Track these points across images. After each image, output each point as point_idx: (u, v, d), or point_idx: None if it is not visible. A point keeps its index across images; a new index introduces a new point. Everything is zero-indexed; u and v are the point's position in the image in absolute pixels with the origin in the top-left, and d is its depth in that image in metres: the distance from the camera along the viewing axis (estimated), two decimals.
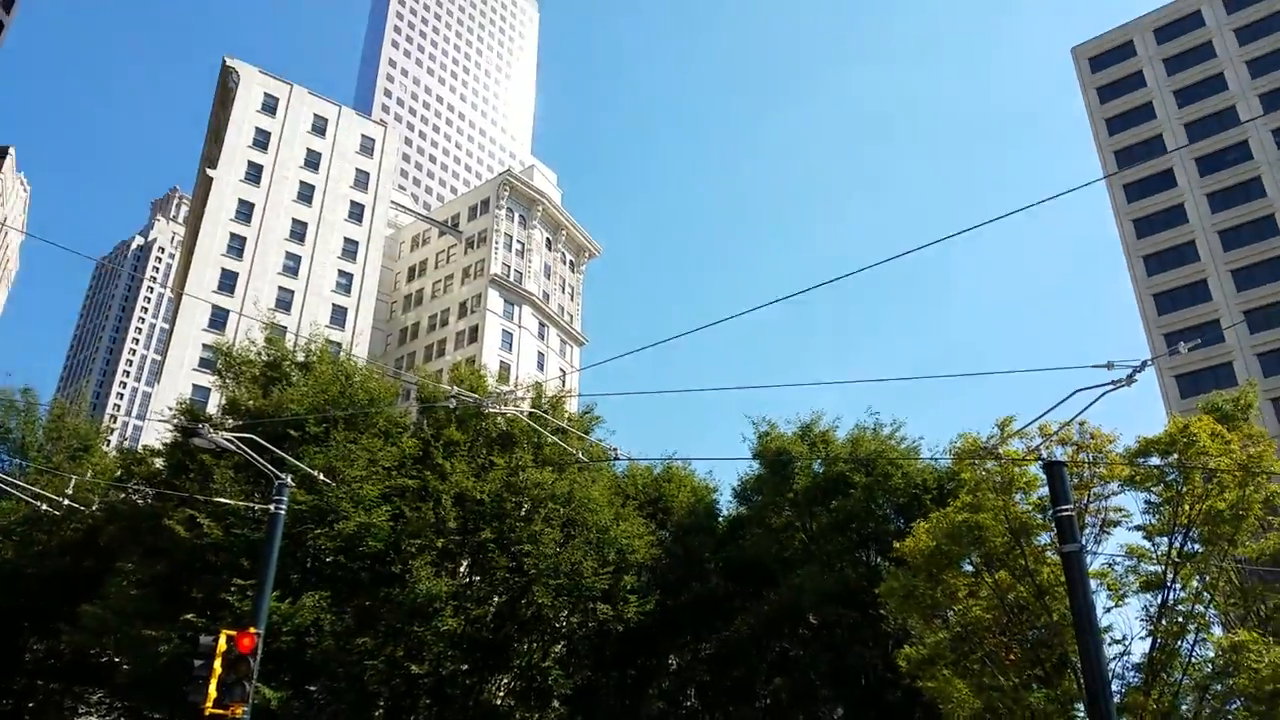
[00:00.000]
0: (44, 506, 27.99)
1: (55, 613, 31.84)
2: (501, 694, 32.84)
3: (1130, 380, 13.16)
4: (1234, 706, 20.97)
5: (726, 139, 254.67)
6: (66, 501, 28.73)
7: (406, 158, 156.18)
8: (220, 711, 17.12)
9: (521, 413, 33.41)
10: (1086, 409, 14.11)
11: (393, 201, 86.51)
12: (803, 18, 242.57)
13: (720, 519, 40.22)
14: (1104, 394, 13.43)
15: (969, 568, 23.62)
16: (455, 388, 29.65)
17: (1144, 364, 13.11)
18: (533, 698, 33.29)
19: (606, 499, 32.87)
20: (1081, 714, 18.15)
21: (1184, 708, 21.56)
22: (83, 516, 33.37)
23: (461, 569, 31.87)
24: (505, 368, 74.38)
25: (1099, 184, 74.01)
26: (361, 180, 78.32)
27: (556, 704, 33.61)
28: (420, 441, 31.55)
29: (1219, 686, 20.75)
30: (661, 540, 35.79)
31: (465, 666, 30.46)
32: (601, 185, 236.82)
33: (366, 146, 79.90)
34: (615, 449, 23.40)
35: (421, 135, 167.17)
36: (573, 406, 46.46)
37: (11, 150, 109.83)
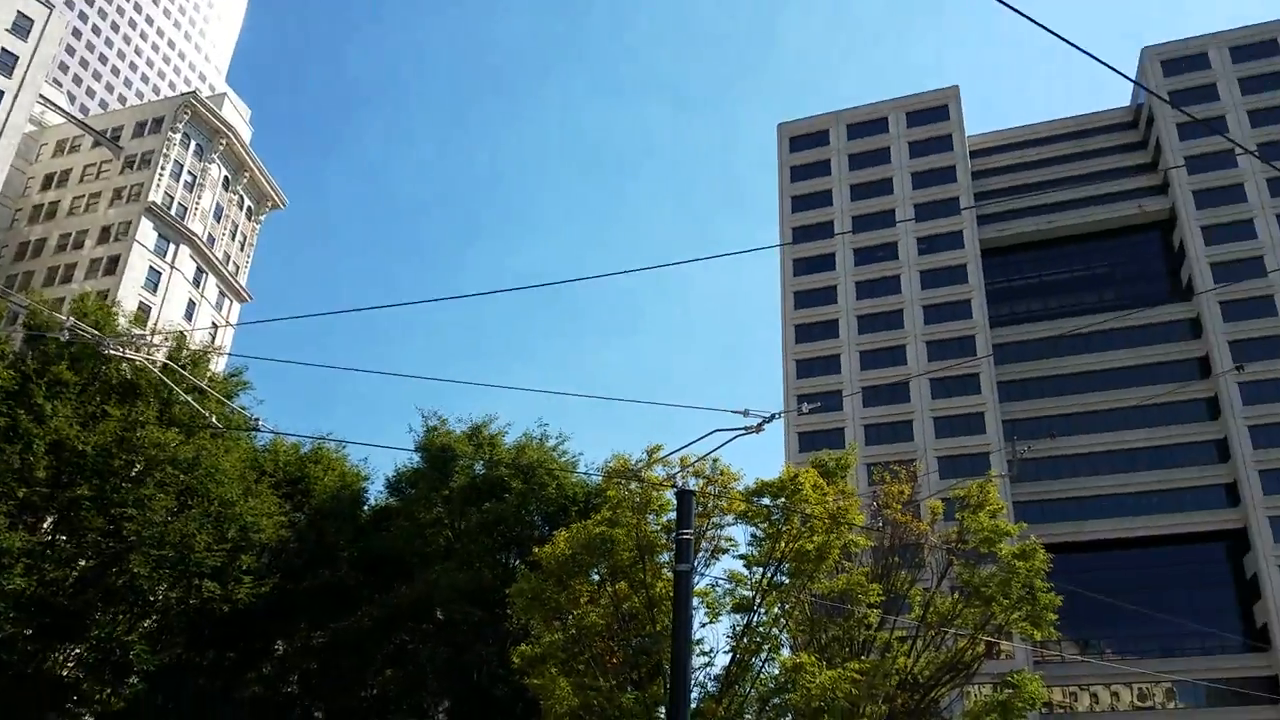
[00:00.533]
0: None
1: None
2: (70, 665, 28.93)
3: (759, 428, 14.80)
4: (787, 718, 24.29)
5: (444, 121, 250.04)
6: None
7: (71, 50, 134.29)
8: None
9: (153, 363, 30.02)
10: (721, 447, 15.74)
11: (41, 96, 73.93)
12: (542, 20, 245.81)
13: (366, 508, 38.94)
14: (736, 437, 14.99)
15: (597, 577, 25.14)
16: (71, 319, 26.03)
17: (772, 416, 14.83)
18: (107, 672, 29.66)
19: (239, 471, 30.52)
20: (662, 716, 19.96)
21: (747, 716, 24.59)
22: None
23: (45, 525, 27.92)
24: (145, 309, 66.10)
25: (777, 252, 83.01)
26: (6, 62, 66.25)
27: (135, 680, 30.15)
28: (18, 374, 27.21)
29: (778, 700, 23.95)
30: (295, 522, 33.89)
31: (29, 631, 26.48)
32: (301, 143, 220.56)
33: (22, 27, 67.77)
34: (258, 419, 21.68)
35: (96, 30, 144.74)
36: (220, 366, 42.63)
37: None
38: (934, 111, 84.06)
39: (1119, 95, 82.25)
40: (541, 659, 21.40)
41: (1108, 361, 70.64)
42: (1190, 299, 71.16)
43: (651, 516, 25.28)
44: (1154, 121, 77.80)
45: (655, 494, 24.58)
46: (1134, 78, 32.53)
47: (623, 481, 24.97)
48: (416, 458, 37.35)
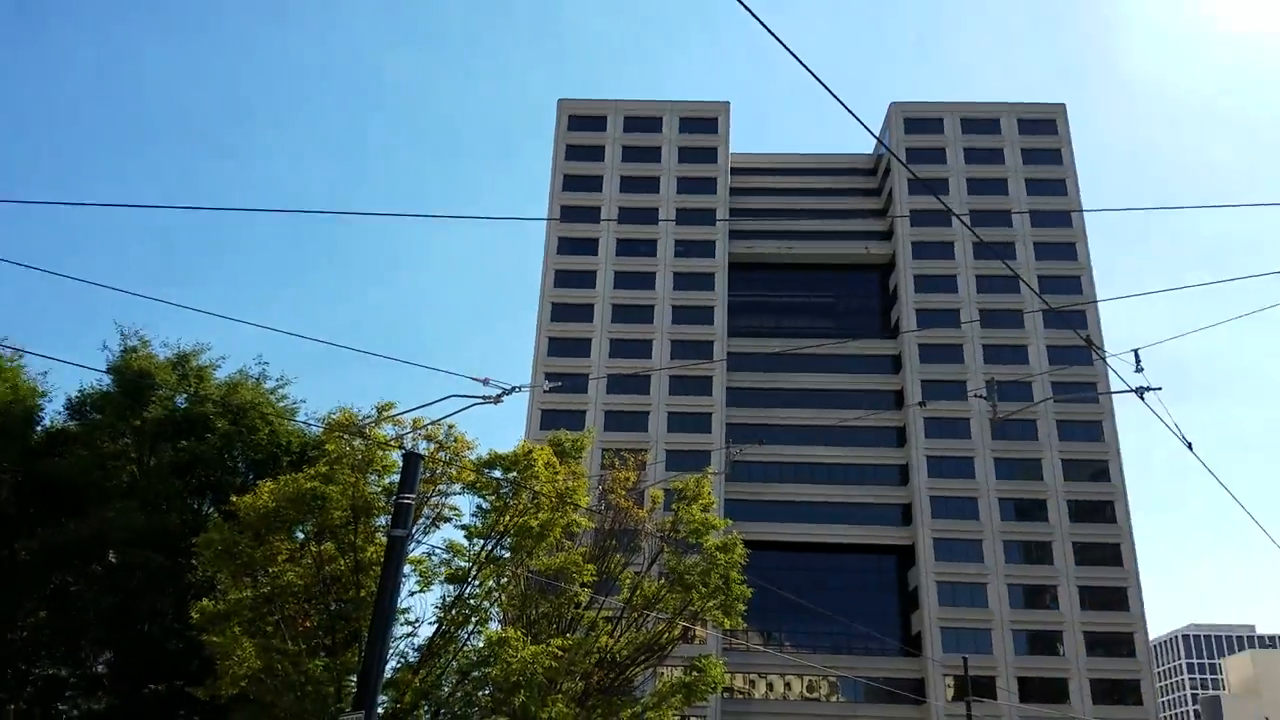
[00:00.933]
0: None
1: None
2: None
3: (498, 399, 14.38)
4: (485, 692, 24.09)
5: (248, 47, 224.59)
6: None
7: None
8: None
9: None
10: (458, 413, 15.12)
11: None
12: None
13: (40, 429, 33.92)
14: (474, 404, 14.49)
15: (301, 535, 23.46)
16: None
17: (513, 389, 14.48)
18: None
19: None
20: (353, 685, 19.05)
21: (444, 689, 24.10)
22: None
23: None
24: None
25: (543, 226, 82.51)
26: None
27: None
28: None
29: (478, 673, 23.67)
30: None
31: None
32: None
33: None
34: None
35: None
36: None
37: None
38: (705, 122, 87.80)
39: (870, 141, 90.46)
40: (225, 616, 19.61)
41: (821, 382, 77.59)
42: (896, 337, 79.78)
43: (373, 477, 24.04)
44: (889, 172, 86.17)
45: (380, 454, 23.38)
46: (877, 130, 35.59)
47: (346, 436, 23.50)
48: (108, 380, 33.13)
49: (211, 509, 29.97)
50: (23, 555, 29.97)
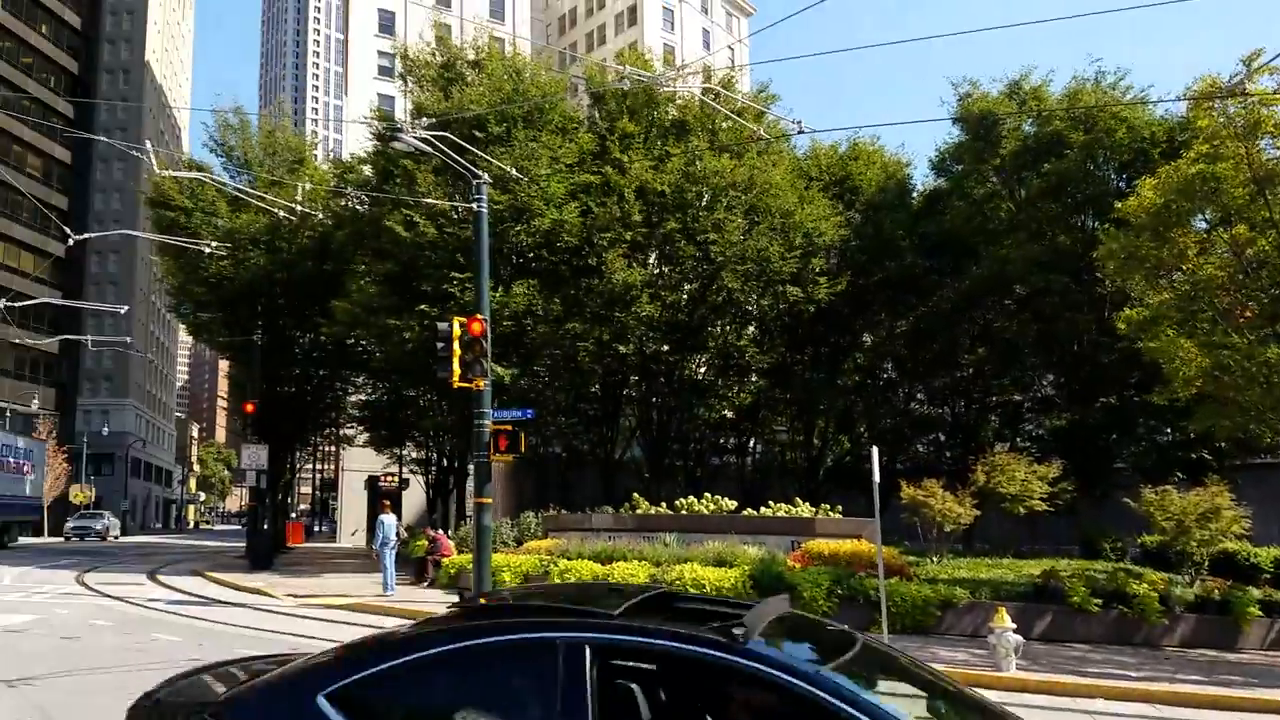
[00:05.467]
0: (281, 214, 30.83)
1: (310, 309, 36.63)
2: (702, 370, 35.37)
3: None
4: None
5: None
6: (300, 209, 31.73)
7: None
8: (465, 385, 19.51)
9: (694, 92, 32.38)
10: None
11: None
12: None
13: (915, 195, 38.73)
14: None
15: (1201, 224, 21.76)
16: (628, 67, 28.97)
17: None
18: (731, 373, 35.78)
19: (789, 182, 32.15)
20: None
21: None
22: (314, 224, 36.91)
23: (651, 260, 33.01)
24: (669, 50, 71.02)
25: None
26: None
27: (755, 378, 35.83)
28: (596, 136, 31.51)
29: None
30: (850, 221, 35.08)
31: (666, 347, 32.64)
32: None
33: None
34: (799, 121, 22.14)
35: None
36: (745, 85, 44.30)
37: None
38: None
39: None
40: (1153, 321, 19.63)
41: None
42: None
43: (1265, 141, 20.48)
44: None
45: (1266, 113, 19.71)
46: None
47: (1218, 105, 20.45)
48: (956, 131, 35.46)
49: (1095, 223, 29.99)
50: (944, 305, 35.00)
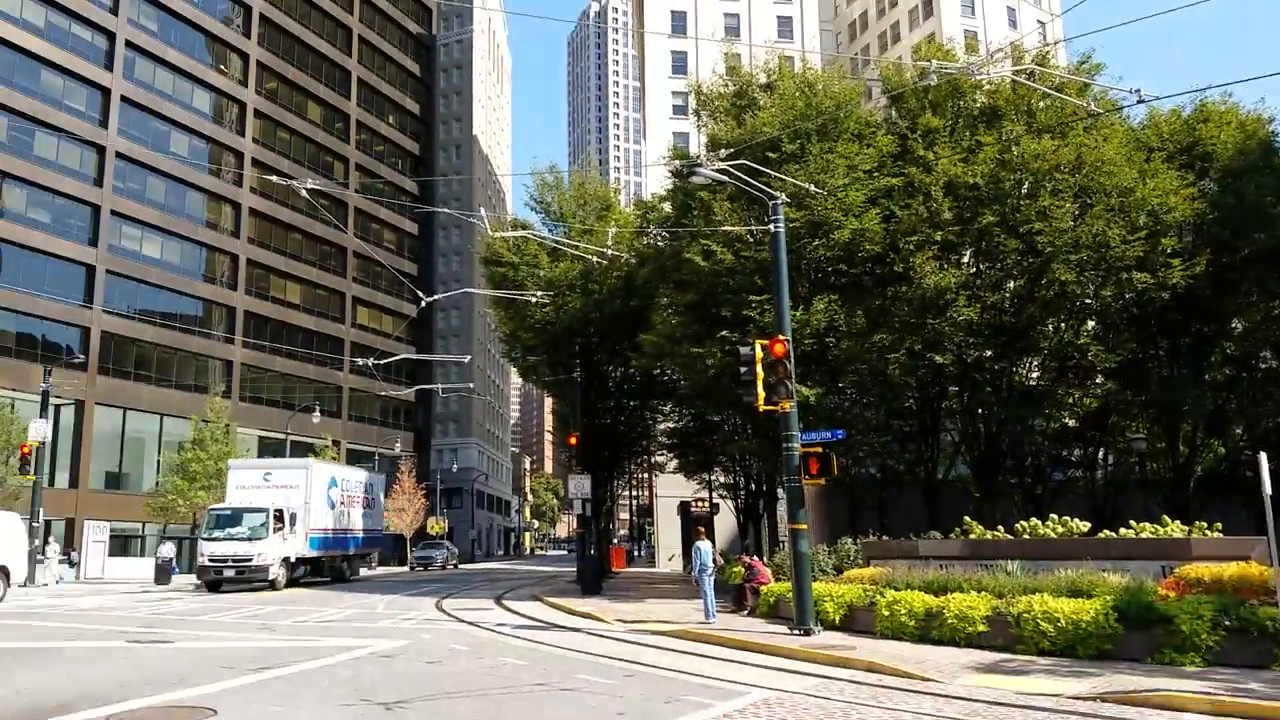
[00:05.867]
0: (593, 259, 32.88)
1: (621, 344, 38.73)
2: (1035, 375, 31.97)
3: None
4: None
5: None
6: (609, 252, 33.79)
7: None
8: (770, 407, 19.25)
9: (1005, 75, 29.98)
10: None
11: None
12: None
13: None
14: None
15: None
16: (932, 61, 27.23)
17: None
18: (1070, 376, 31.92)
19: (1125, 156, 28.28)
20: None
21: None
22: (620, 264, 39.11)
23: (965, 259, 30.77)
24: (971, 36, 66.45)
25: None
26: None
27: (1100, 379, 31.70)
28: (895, 137, 30.09)
29: None
30: (1204, 192, 30.20)
31: (989, 353, 29.96)
32: None
33: None
34: (1137, 90, 19.41)
35: None
36: (1061, 61, 40.12)
37: None
38: None
39: None
40: None
41: None
42: None
43: None
44: None
45: None
46: None
47: None
48: None
49: None
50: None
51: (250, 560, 34.80)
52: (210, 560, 35.28)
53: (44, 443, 39.90)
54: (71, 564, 46.96)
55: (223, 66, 72.06)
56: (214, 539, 35.41)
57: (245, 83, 73.66)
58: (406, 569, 64.08)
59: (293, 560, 37.38)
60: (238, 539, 35.06)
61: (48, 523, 46.63)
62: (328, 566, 41.54)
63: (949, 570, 19.64)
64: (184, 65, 68.05)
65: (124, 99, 62.76)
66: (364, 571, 48.71)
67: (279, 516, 36.25)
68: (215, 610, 26.36)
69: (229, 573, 34.99)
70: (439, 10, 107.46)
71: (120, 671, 13.72)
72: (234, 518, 35.89)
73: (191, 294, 68.24)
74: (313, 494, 39.05)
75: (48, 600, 30.31)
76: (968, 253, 30.46)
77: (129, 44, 63.51)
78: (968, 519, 23.35)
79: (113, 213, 61.64)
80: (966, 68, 29.17)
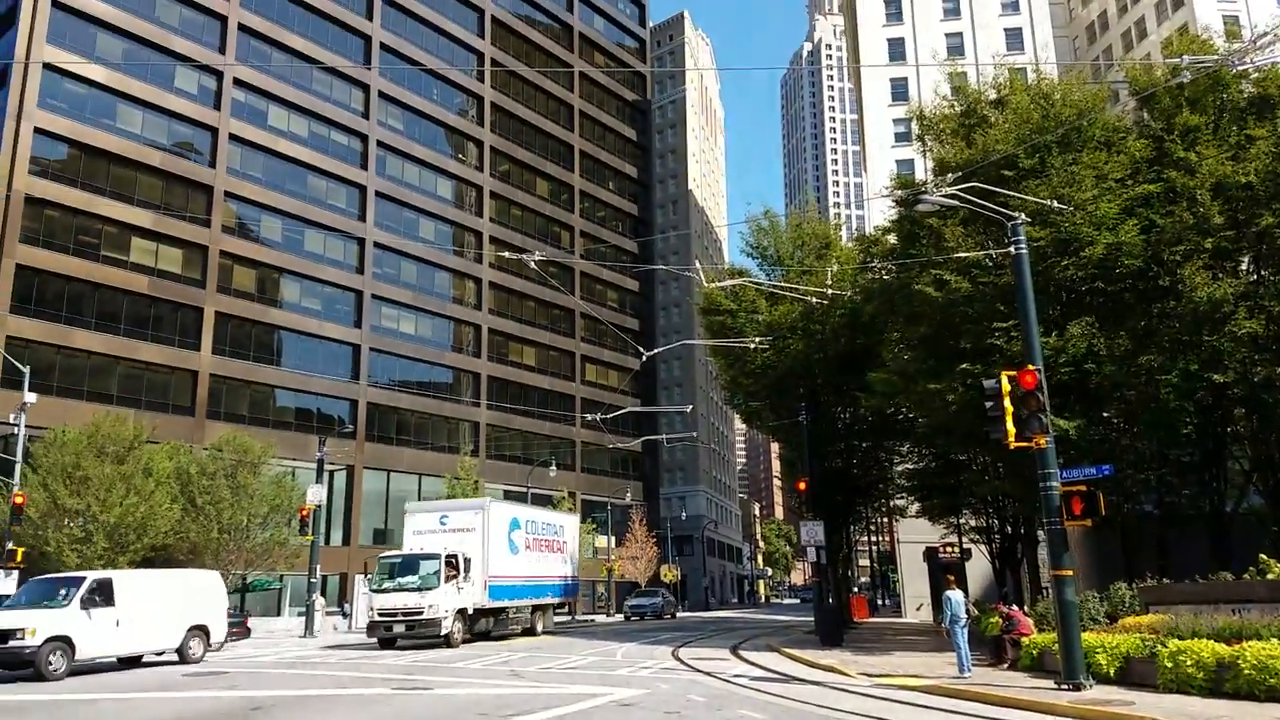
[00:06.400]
0: (813, 300, 32.10)
1: (848, 384, 37.26)
2: None
3: None
4: None
5: None
6: (830, 291, 32.78)
7: None
8: (1023, 444, 17.57)
9: (1277, 60, 26.62)
10: None
11: None
12: None
13: None
14: None
15: None
16: (1183, 56, 24.50)
17: None
18: None
19: None
20: None
21: None
22: (843, 302, 37.93)
23: (1243, 266, 27.19)
24: (1231, 21, 59.61)
25: None
26: None
27: None
28: (1149, 141, 27.31)
29: None
30: None
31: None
32: None
33: None
34: None
35: None
36: None
37: (685, 12, 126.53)
38: None
39: None
40: None
41: None
42: None
43: None
44: None
45: None
46: None
47: None
48: None
49: None
50: None
51: (420, 613, 31.11)
52: (380, 614, 31.85)
53: (320, 505, 43.66)
54: (344, 615, 51.27)
55: (460, 155, 78.55)
56: (384, 590, 32.06)
57: (481, 167, 79.85)
58: (621, 618, 63.05)
59: (470, 612, 33.33)
60: (408, 589, 31.59)
61: (324, 578, 51.20)
62: (513, 618, 37.00)
63: (1243, 615, 17.31)
64: (427, 158, 74.83)
65: (378, 194, 69.85)
66: (556, 622, 44.15)
67: (451, 563, 32.33)
68: (466, 658, 27.62)
69: (399, 628, 31.37)
70: (652, 76, 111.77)
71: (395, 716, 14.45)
72: (405, 566, 32.55)
73: (442, 363, 73.99)
74: (491, 537, 34.69)
75: (304, 652, 33.06)
76: (1245, 259, 27.23)
77: (380, 144, 70.76)
78: (1264, 556, 20.07)
79: (373, 296, 68.34)
80: (1227, 58, 26.27)
